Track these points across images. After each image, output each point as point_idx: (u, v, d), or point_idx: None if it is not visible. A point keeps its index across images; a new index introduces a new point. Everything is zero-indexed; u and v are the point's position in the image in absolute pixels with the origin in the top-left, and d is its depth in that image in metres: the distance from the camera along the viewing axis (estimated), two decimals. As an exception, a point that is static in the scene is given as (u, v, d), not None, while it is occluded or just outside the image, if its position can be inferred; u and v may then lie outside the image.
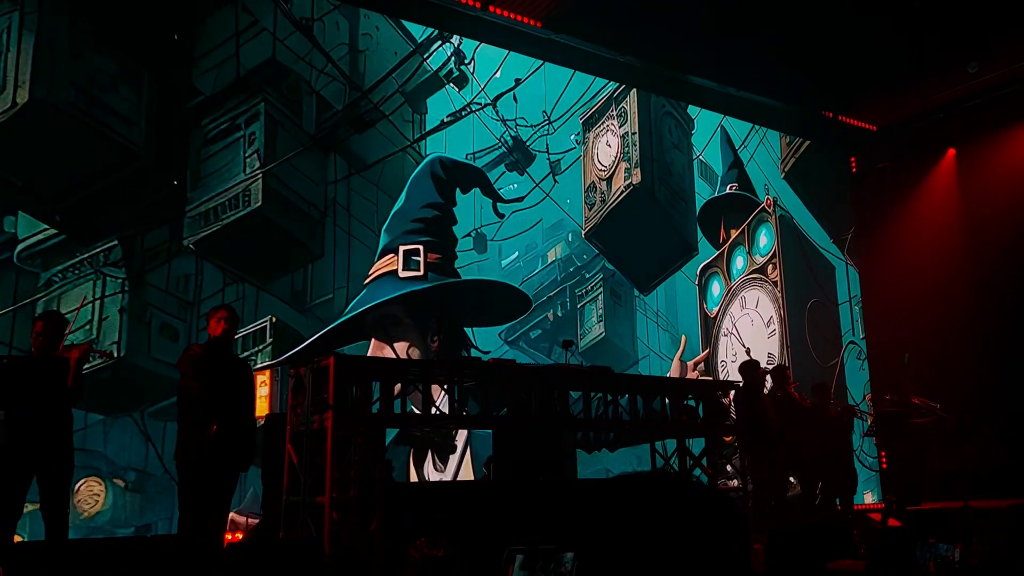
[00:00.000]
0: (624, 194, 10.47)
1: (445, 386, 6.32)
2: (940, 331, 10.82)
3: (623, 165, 10.56)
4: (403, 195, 8.91)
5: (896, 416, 9.30)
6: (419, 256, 8.61)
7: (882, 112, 11.97)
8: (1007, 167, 11.13)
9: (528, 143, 9.80)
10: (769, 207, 11.65)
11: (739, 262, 11.52)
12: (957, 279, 11.14)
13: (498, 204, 9.57)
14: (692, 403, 7.33)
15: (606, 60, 10.29)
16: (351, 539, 5.23)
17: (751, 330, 11.19)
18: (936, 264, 11.33)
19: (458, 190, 9.25)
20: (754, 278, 11.47)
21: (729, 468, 7.70)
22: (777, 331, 11.34)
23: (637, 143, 10.63)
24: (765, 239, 11.63)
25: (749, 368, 8.00)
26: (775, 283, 11.47)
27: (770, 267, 11.53)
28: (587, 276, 10.21)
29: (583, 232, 10.27)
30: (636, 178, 10.51)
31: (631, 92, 10.73)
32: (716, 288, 11.34)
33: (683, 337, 10.48)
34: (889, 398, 10.37)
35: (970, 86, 10.96)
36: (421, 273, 8.58)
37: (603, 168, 10.59)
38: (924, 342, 10.81)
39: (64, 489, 5.17)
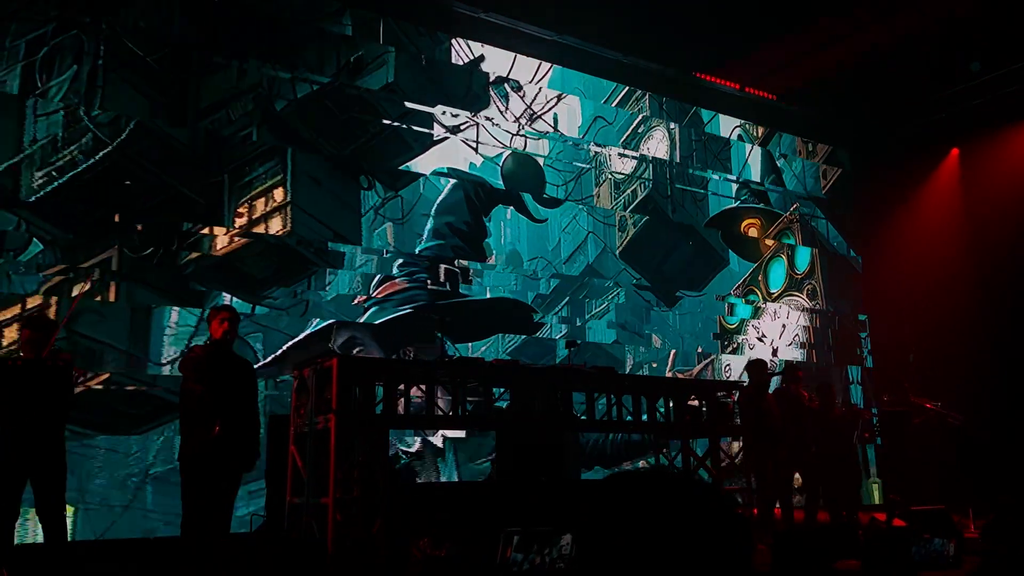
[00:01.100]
0: (649, 213, 10.57)
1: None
2: (943, 330, 10.81)
3: (646, 184, 10.67)
4: (435, 210, 9.02)
5: (898, 416, 9.28)
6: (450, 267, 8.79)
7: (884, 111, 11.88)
8: (1010, 167, 11.12)
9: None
10: (794, 220, 11.79)
11: (776, 275, 11.66)
12: (960, 278, 11.13)
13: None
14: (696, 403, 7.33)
15: (608, 61, 10.33)
16: (354, 540, 5.23)
17: (780, 343, 11.34)
18: (939, 263, 11.32)
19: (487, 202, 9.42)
20: (790, 292, 11.64)
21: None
22: (805, 344, 11.60)
23: (665, 162, 10.79)
24: (800, 254, 11.91)
25: (755, 367, 7.99)
26: (809, 297, 11.77)
27: (806, 282, 11.78)
28: (601, 290, 10.20)
29: (616, 251, 10.32)
30: (660, 196, 10.65)
31: (653, 112, 10.86)
32: (749, 301, 11.36)
33: (672, 352, 10.45)
34: (887, 399, 10.35)
35: (972, 86, 10.91)
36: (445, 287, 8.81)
37: (627, 188, 10.66)
38: (927, 341, 10.80)
39: (60, 494, 5.13)
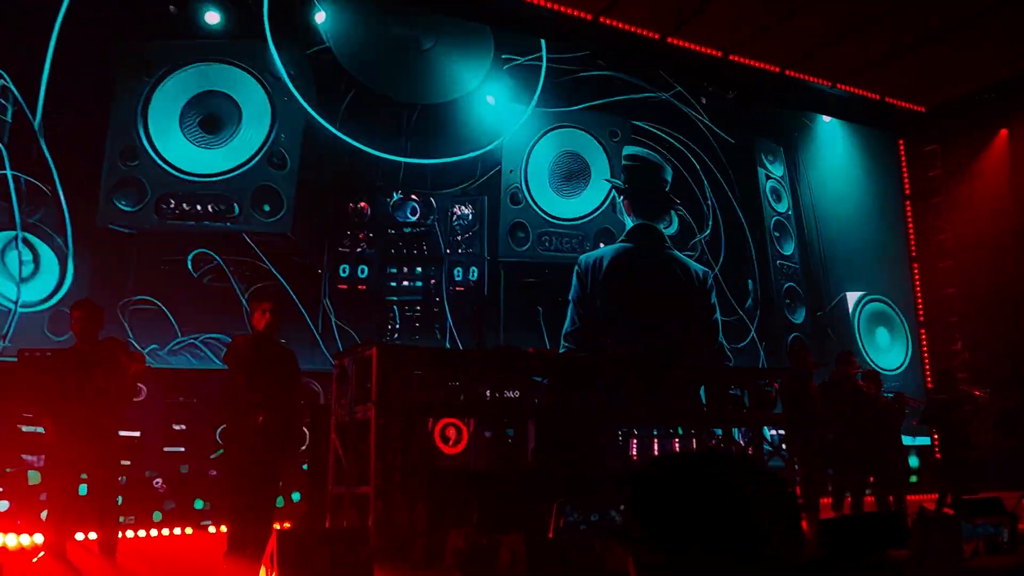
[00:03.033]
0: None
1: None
2: (994, 315, 10.56)
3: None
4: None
5: (946, 404, 9.06)
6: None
7: (931, 94, 11.66)
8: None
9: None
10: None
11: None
12: (1011, 261, 10.86)
13: None
14: (737, 392, 7.21)
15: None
16: (396, 528, 5.24)
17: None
18: (989, 245, 11.07)
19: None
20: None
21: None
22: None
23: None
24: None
25: (797, 353, 7.89)
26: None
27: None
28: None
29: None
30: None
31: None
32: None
33: None
34: (934, 386, 10.11)
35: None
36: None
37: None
38: (977, 326, 10.55)
39: (112, 490, 5.20)
